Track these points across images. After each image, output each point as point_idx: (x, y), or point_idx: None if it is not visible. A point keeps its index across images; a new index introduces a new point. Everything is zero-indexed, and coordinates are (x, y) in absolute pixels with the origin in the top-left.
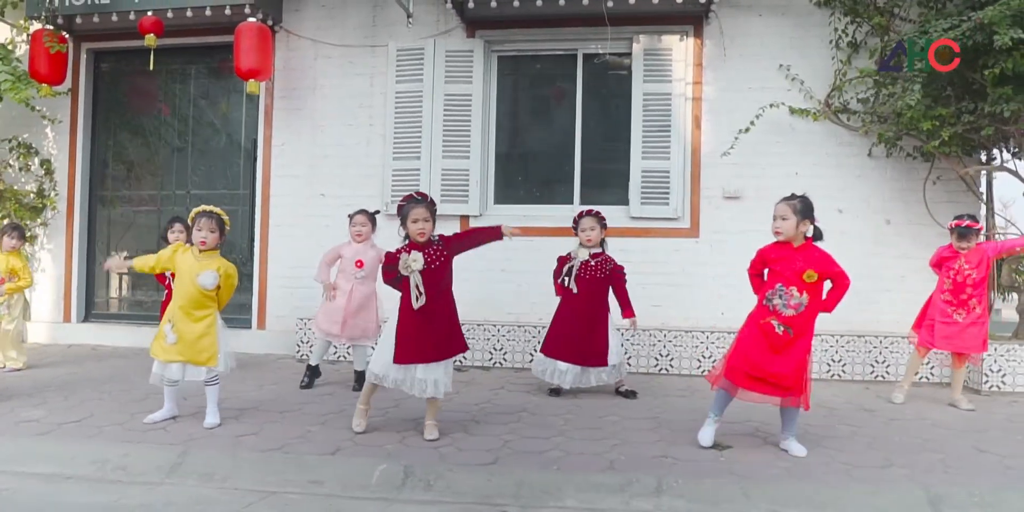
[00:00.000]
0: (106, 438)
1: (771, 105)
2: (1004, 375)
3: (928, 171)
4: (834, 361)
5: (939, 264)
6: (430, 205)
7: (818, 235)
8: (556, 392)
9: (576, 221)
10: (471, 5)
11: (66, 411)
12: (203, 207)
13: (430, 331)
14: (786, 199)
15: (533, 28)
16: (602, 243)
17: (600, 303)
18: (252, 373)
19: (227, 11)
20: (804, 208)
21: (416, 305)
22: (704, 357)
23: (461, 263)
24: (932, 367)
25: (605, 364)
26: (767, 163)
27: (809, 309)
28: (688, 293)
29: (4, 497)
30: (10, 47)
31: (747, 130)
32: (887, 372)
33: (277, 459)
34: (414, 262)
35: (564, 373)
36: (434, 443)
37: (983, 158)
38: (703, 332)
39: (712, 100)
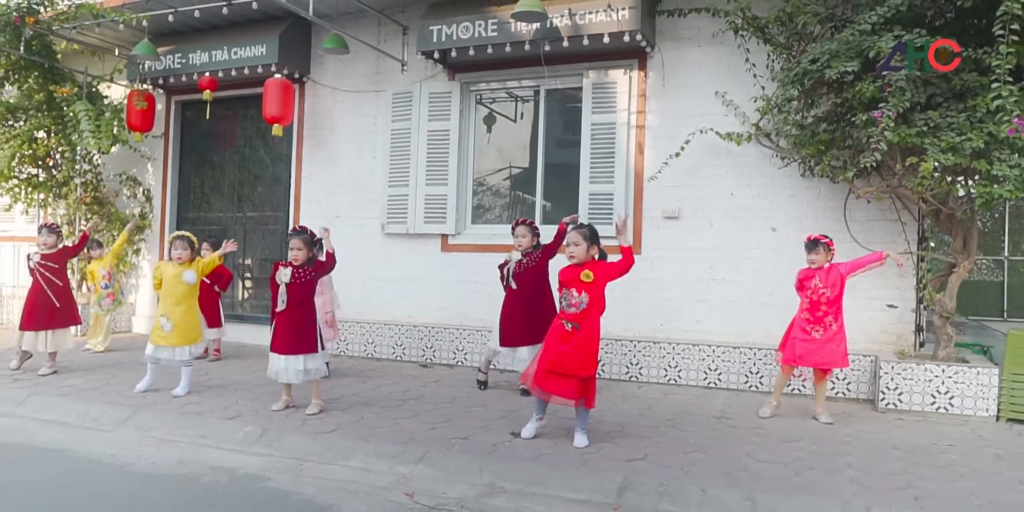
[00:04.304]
0: (101, 400)
1: (700, 131)
2: (901, 393)
3: (847, 192)
4: (751, 373)
5: (801, 285)
6: (307, 237)
7: (602, 257)
8: (483, 385)
9: (512, 229)
10: (437, 55)
11: (95, 381)
12: (177, 233)
13: (287, 331)
14: (577, 228)
15: (502, 69)
16: (536, 246)
17: (541, 290)
18: (260, 362)
19: (259, 69)
20: (592, 235)
21: (278, 309)
22: (632, 364)
23: (438, 275)
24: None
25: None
26: (704, 185)
27: (590, 306)
28: (630, 306)
29: (7, 429)
30: (125, 102)
31: (678, 155)
32: (803, 386)
33: (190, 420)
34: (283, 277)
35: (525, 359)
36: (310, 417)
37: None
38: (631, 341)
39: (654, 128)
